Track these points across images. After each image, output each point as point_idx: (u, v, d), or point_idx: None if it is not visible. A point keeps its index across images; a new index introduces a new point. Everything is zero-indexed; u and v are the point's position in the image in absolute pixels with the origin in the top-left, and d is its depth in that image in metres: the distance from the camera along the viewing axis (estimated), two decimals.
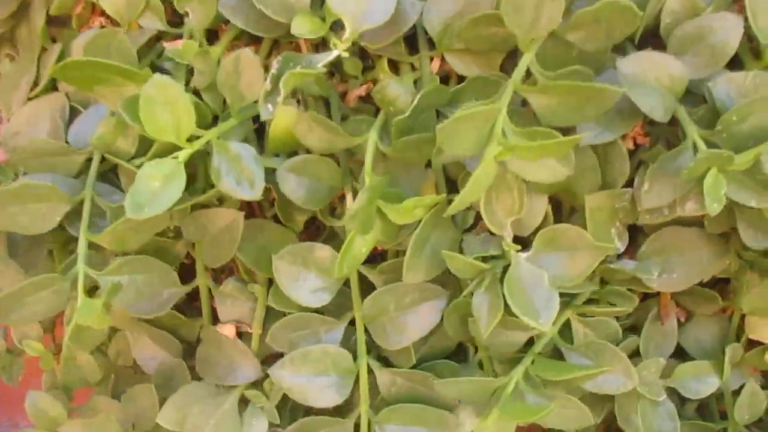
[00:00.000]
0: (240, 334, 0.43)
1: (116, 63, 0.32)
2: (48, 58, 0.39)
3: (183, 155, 0.32)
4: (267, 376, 0.41)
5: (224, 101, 0.35)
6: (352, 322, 0.39)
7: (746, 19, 0.31)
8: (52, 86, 0.39)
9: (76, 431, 0.45)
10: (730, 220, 0.34)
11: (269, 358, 0.43)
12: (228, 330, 0.43)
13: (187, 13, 0.36)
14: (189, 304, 0.46)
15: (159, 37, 0.37)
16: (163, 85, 0.30)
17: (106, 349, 0.48)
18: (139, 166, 0.33)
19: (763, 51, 0.32)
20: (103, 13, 0.39)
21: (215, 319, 0.44)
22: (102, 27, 0.39)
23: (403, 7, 0.33)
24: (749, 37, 0.32)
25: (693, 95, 0.32)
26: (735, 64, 0.33)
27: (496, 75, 0.34)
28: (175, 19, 0.38)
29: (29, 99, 0.39)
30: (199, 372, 0.43)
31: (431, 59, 0.36)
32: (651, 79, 0.30)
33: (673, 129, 0.33)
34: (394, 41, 0.34)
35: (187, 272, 0.43)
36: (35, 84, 0.40)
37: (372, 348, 0.40)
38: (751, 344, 0.43)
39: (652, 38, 0.34)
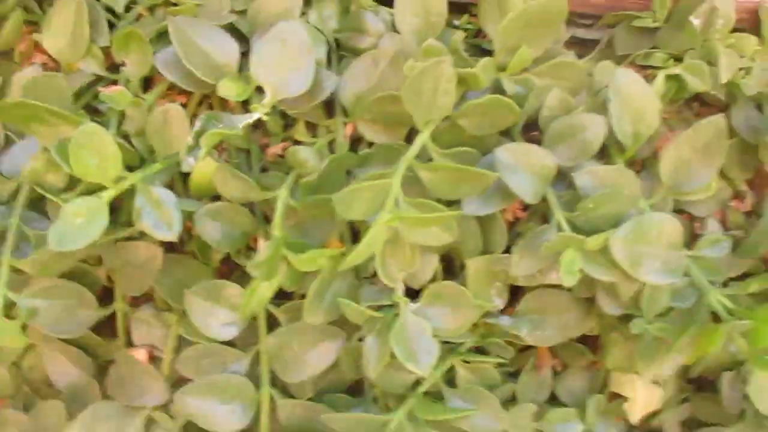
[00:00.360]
0: (152, 359, 0.46)
1: (51, 107, 0.35)
2: None
3: (107, 195, 0.35)
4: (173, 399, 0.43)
5: (151, 147, 0.38)
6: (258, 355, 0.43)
7: None
8: None
9: None
10: (592, 287, 0.39)
11: (178, 383, 0.46)
12: (141, 354, 0.45)
13: (124, 63, 0.39)
14: (108, 325, 0.48)
15: (97, 79, 0.40)
16: (92, 132, 0.34)
17: (20, 362, 0.50)
18: (66, 201, 0.36)
19: (625, 147, 0.38)
20: (45, 52, 0.42)
21: (130, 343, 0.46)
22: (43, 64, 0.42)
23: (320, 79, 0.37)
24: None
25: (565, 179, 0.38)
26: (604, 155, 0.39)
27: (399, 144, 0.39)
28: (115, 64, 0.41)
29: None
30: (110, 392, 0.45)
31: (345, 124, 0.40)
32: (524, 166, 0.35)
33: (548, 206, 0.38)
34: (312, 107, 0.39)
35: (107, 295, 0.45)
36: None
37: (275, 380, 0.43)
38: (616, 395, 0.48)
39: (535, 125, 0.39)
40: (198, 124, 0.35)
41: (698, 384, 0.51)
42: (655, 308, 0.38)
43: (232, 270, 0.45)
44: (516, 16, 0.35)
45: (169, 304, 0.45)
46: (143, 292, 0.42)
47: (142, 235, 0.42)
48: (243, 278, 0.42)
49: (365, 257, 0.35)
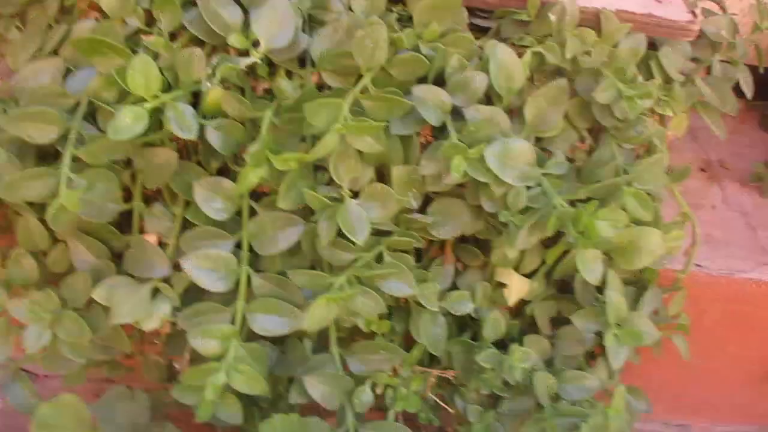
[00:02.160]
0: (160, 244, 0.62)
1: (111, 41, 0.52)
2: (54, 32, 0.58)
3: (148, 106, 0.52)
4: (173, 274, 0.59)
5: (177, 77, 0.55)
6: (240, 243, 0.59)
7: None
8: (53, 52, 0.58)
9: (20, 307, 0.61)
10: (478, 197, 0.57)
11: (177, 264, 0.62)
12: (152, 237, 0.61)
13: (160, 19, 0.56)
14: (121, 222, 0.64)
15: (138, 31, 0.57)
16: (144, 60, 0.50)
17: (45, 257, 0.65)
18: (116, 110, 0.52)
19: (501, 97, 0.56)
20: (98, 9, 0.58)
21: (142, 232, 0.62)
22: (96, 19, 0.59)
23: (298, 39, 0.55)
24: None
25: (460, 116, 0.56)
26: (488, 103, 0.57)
27: (350, 87, 0.56)
28: (150, 21, 0.58)
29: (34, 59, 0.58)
30: (126, 268, 0.61)
31: (312, 73, 0.58)
32: (431, 100, 0.53)
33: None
34: (290, 59, 0.56)
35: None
36: (39, 49, 0.58)
37: (252, 260, 0.59)
38: (501, 285, 0.66)
39: (440, 79, 0.57)
40: (215, 60, 0.52)
41: (564, 289, 0.70)
42: (517, 205, 0.56)
43: (224, 175, 0.61)
44: (428, 2, 0.54)
45: (173, 201, 0.61)
46: (161, 185, 0.58)
47: (161, 143, 0.59)
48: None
49: (323, 154, 0.52)
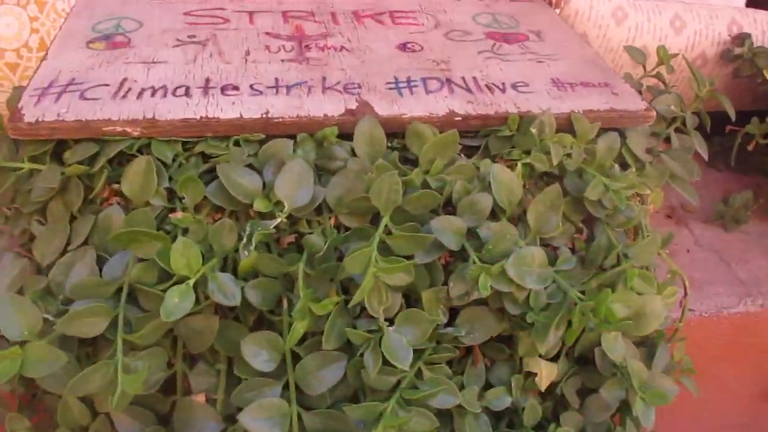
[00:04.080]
0: (207, 401, 0.64)
1: (148, 230, 0.55)
2: (80, 224, 0.61)
3: (192, 282, 0.55)
4: (226, 429, 0.61)
5: (210, 248, 0.59)
6: (288, 384, 0.62)
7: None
8: (84, 242, 0.61)
9: None
10: (501, 301, 0.62)
11: (228, 418, 0.64)
12: (200, 397, 0.64)
13: (183, 197, 0.60)
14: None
15: (163, 209, 0.61)
16: (185, 243, 0.54)
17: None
18: (162, 290, 0.55)
19: (505, 210, 0.62)
20: (119, 194, 0.62)
21: (186, 393, 0.64)
22: (118, 203, 0.62)
23: (316, 193, 0.60)
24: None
25: (474, 233, 0.61)
26: (494, 216, 0.63)
27: (367, 226, 0.61)
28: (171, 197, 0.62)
29: (66, 251, 0.60)
30: (178, 430, 0.63)
31: (330, 218, 0.62)
32: (448, 229, 0.59)
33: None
34: (310, 210, 0.61)
35: None
36: (68, 242, 0.61)
37: (300, 399, 0.62)
38: (530, 374, 0.71)
39: (450, 203, 0.63)
40: (248, 228, 0.56)
41: (584, 363, 0.75)
42: (538, 305, 0.61)
43: (259, 327, 0.65)
44: (431, 143, 0.60)
45: (215, 359, 0.64)
46: (206, 348, 0.61)
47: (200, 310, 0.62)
48: (270, 329, 0.62)
49: (362, 298, 0.56)
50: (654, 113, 0.70)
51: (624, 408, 0.73)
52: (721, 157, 1.13)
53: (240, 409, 0.60)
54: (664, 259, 0.77)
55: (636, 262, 0.64)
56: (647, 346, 0.75)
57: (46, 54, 0.71)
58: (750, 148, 0.96)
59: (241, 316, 0.62)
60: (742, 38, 1.04)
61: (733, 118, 0.81)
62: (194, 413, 0.63)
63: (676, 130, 0.79)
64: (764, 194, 1.04)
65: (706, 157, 0.78)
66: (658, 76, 0.84)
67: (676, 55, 0.84)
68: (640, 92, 0.81)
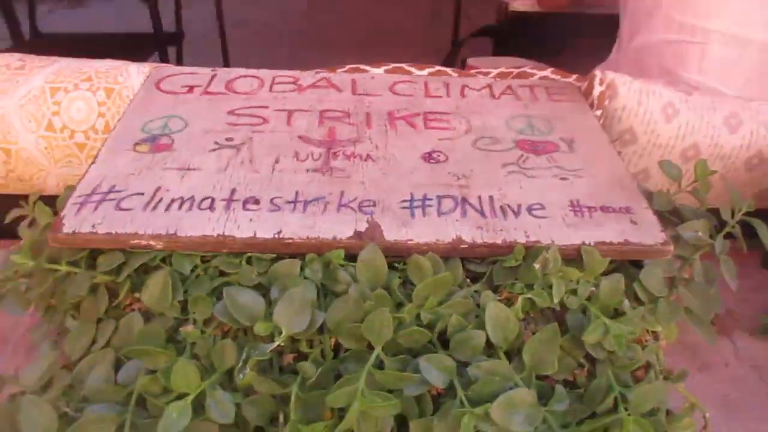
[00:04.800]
0: None
1: (160, 350, 0.60)
2: (104, 326, 0.67)
3: (190, 399, 0.59)
4: None
5: (211, 362, 0.63)
6: None
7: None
8: (107, 343, 0.67)
9: None
10: None
11: None
12: None
13: (194, 312, 0.64)
14: None
15: (176, 320, 0.66)
16: (184, 365, 0.58)
17: None
18: (164, 402, 0.59)
19: (500, 348, 0.63)
20: (140, 301, 0.67)
21: None
22: (139, 309, 0.67)
23: (314, 318, 0.63)
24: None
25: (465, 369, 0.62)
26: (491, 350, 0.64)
27: (363, 350, 0.64)
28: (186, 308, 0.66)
29: (91, 351, 0.66)
30: None
31: (330, 338, 0.65)
32: (437, 366, 0.60)
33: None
34: (309, 333, 0.64)
35: None
36: (93, 341, 0.67)
37: None
38: None
39: (444, 335, 0.64)
40: (245, 351, 0.60)
41: None
42: None
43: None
44: (427, 282, 0.62)
45: None
46: None
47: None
48: None
49: (347, 427, 0.59)
50: (671, 248, 0.69)
51: None
52: None
53: None
54: (682, 393, 0.74)
55: (635, 408, 0.63)
56: None
57: (97, 156, 0.78)
58: None
59: (241, 426, 0.66)
60: None
61: (765, 242, 0.78)
62: None
63: (705, 255, 0.77)
64: None
65: (734, 288, 0.75)
66: (695, 193, 0.81)
67: (714, 172, 0.81)
68: (669, 213, 0.80)
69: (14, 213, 0.81)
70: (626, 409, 0.63)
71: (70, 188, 0.75)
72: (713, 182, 0.86)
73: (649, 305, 0.69)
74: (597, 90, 1.00)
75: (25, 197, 0.80)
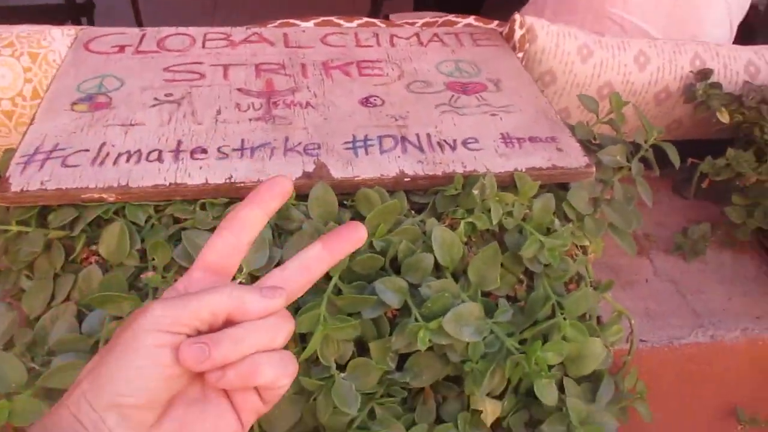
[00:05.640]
0: None
1: (125, 295, 0.62)
2: (62, 281, 0.68)
3: None
4: None
5: None
6: None
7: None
8: (66, 297, 0.68)
9: None
10: (443, 348, 0.68)
11: None
12: None
13: (153, 258, 0.66)
14: None
15: (136, 269, 0.67)
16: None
17: None
18: None
19: (447, 267, 0.68)
20: (97, 254, 0.68)
21: None
22: (96, 262, 0.69)
23: (271, 254, 0.66)
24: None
25: (418, 290, 0.67)
26: (438, 271, 0.69)
27: (322, 281, 0.67)
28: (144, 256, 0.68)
29: (51, 306, 0.67)
30: None
31: None
32: (391, 288, 0.65)
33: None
34: (268, 269, 0.67)
35: None
36: (51, 297, 0.68)
37: None
38: (477, 412, 0.77)
39: (395, 261, 0.69)
40: None
41: (532, 396, 0.81)
42: (476, 354, 0.67)
43: None
44: (375, 211, 0.66)
45: None
46: None
47: None
48: None
49: (312, 351, 0.63)
50: (593, 170, 0.76)
51: None
52: (687, 185, 1.17)
53: None
54: (608, 302, 0.82)
55: (570, 313, 0.69)
56: (593, 381, 0.81)
57: (34, 117, 0.77)
58: (704, 185, 1.01)
59: None
60: (704, 74, 1.08)
61: (677, 165, 0.86)
62: None
63: (625, 177, 0.85)
64: (723, 225, 1.09)
65: (650, 204, 0.83)
66: (610, 122, 0.88)
67: (627, 102, 0.89)
68: (590, 141, 0.87)
69: None
70: (562, 315, 0.70)
71: (10, 150, 0.74)
72: (627, 118, 0.94)
73: (577, 222, 0.76)
74: (518, 33, 1.05)
75: None
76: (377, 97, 0.86)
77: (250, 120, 0.79)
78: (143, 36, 0.96)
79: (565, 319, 0.69)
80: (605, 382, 0.80)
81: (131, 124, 0.77)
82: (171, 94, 0.83)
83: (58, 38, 0.99)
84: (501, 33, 1.07)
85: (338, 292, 0.65)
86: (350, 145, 0.76)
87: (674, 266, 1.07)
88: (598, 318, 0.82)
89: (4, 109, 0.98)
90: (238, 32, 0.99)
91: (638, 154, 0.86)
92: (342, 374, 0.66)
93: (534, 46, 1.07)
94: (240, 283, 0.65)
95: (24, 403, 0.60)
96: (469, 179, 0.72)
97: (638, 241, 1.11)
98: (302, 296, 0.67)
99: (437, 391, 0.76)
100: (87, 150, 0.72)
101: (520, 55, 1.04)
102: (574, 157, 0.77)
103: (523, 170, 0.74)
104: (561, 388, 0.75)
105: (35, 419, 0.61)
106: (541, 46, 1.08)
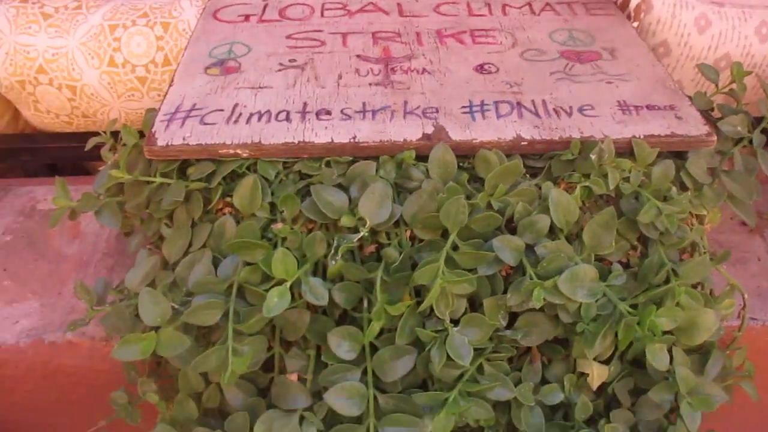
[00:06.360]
0: (299, 380, 0.76)
1: (258, 242, 0.67)
2: (200, 229, 0.74)
3: (288, 284, 0.66)
4: (313, 404, 0.73)
5: (304, 255, 0.70)
6: (366, 370, 0.73)
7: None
8: (203, 245, 0.74)
9: None
10: (555, 309, 0.70)
11: (316, 395, 0.75)
12: (294, 377, 0.76)
13: (283, 210, 0.71)
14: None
15: (267, 220, 0.72)
16: (283, 253, 0.65)
17: (201, 396, 0.79)
18: (264, 290, 0.67)
19: (562, 229, 0.69)
20: (231, 206, 0.74)
21: (281, 372, 0.76)
22: (230, 213, 0.74)
23: (393, 210, 0.69)
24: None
25: (532, 250, 0.69)
26: (552, 234, 0.70)
27: (438, 239, 0.70)
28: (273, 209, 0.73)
29: (188, 252, 0.73)
30: (274, 402, 0.75)
31: (406, 231, 0.72)
32: (508, 246, 0.67)
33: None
34: (388, 225, 0.70)
35: None
36: (189, 244, 0.74)
37: (377, 383, 0.73)
38: (583, 374, 0.78)
39: (512, 221, 0.71)
40: (336, 241, 0.67)
41: (638, 365, 0.81)
42: (589, 315, 0.68)
43: (343, 321, 0.76)
44: (495, 172, 0.68)
45: (307, 345, 0.75)
46: (299, 336, 0.72)
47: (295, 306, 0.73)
48: (352, 324, 0.73)
49: (430, 304, 0.66)
50: (714, 138, 0.75)
51: (677, 408, 0.79)
52: None
53: (326, 389, 0.71)
54: (722, 274, 0.81)
55: (684, 280, 0.69)
56: (702, 354, 0.81)
57: (173, 79, 0.84)
58: None
59: (328, 311, 0.73)
60: None
61: None
62: (288, 389, 0.74)
63: (744, 148, 0.83)
64: None
65: None
66: (731, 93, 0.86)
67: (749, 72, 0.86)
68: (710, 110, 0.85)
69: (94, 140, 0.86)
70: (677, 282, 0.70)
71: (152, 110, 0.81)
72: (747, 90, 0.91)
73: (695, 192, 0.75)
74: (633, 3, 1.04)
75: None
76: (491, 64, 0.87)
77: (370, 85, 0.82)
78: (266, 6, 1.02)
79: (681, 286, 0.69)
80: (715, 355, 0.80)
81: (260, 87, 0.82)
82: (295, 60, 0.87)
83: (187, 9, 1.06)
84: (615, 2, 1.05)
85: (455, 249, 0.68)
86: (467, 110, 0.78)
87: None
88: (710, 291, 0.81)
89: (139, 75, 1.06)
90: (354, 2, 1.03)
91: (760, 125, 0.83)
92: (455, 328, 0.69)
93: (649, 16, 1.05)
94: (361, 238, 0.69)
95: (169, 336, 0.67)
96: (586, 145, 0.73)
97: None
98: (420, 251, 0.71)
99: (543, 352, 0.78)
100: (222, 110, 0.78)
101: (635, 24, 1.02)
102: (693, 125, 0.76)
103: (641, 137, 0.74)
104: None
105: (178, 351, 0.68)
106: (657, 16, 1.06)
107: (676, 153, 0.78)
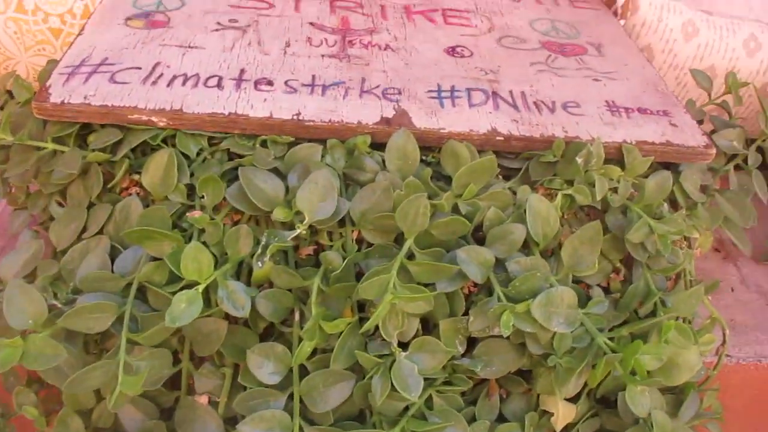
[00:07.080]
0: (209, 403, 0.63)
1: (161, 230, 0.53)
2: (98, 211, 0.59)
3: (201, 287, 0.53)
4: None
5: (224, 252, 0.56)
6: (292, 395, 0.60)
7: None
8: (100, 230, 0.59)
9: None
10: (522, 336, 0.59)
11: (229, 421, 0.62)
12: (203, 399, 0.62)
13: (203, 196, 0.57)
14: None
15: (182, 205, 0.59)
16: (196, 248, 0.52)
17: (91, 414, 0.65)
18: (170, 293, 0.53)
19: (539, 243, 0.58)
20: (139, 184, 0.60)
21: (189, 392, 0.63)
22: (137, 194, 0.60)
23: (339, 206, 0.57)
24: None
25: (502, 265, 0.58)
26: (526, 248, 0.59)
27: (390, 244, 0.58)
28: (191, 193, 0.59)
29: (82, 238, 0.59)
30: (176, 427, 0.62)
31: (353, 231, 0.59)
32: (474, 259, 0.55)
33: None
34: (332, 223, 0.58)
35: None
36: (84, 228, 0.60)
37: (304, 412, 0.60)
38: (545, 412, 0.67)
39: (480, 229, 0.59)
40: (264, 238, 0.54)
41: (606, 404, 0.71)
42: (562, 348, 0.57)
43: (269, 335, 0.63)
44: (466, 168, 0.56)
45: (222, 362, 0.62)
46: (212, 352, 0.59)
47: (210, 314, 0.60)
48: (279, 339, 0.60)
49: (376, 323, 0.54)
50: (713, 151, 0.65)
51: None
52: None
53: (242, 417, 0.58)
54: (706, 306, 0.72)
55: (674, 313, 0.59)
56: (675, 394, 0.71)
57: (83, 28, 0.69)
58: None
59: (251, 323, 0.60)
60: None
61: None
62: (196, 413, 0.61)
63: (736, 167, 0.74)
64: None
65: (765, 200, 0.72)
66: (723, 105, 0.77)
67: (746, 84, 0.78)
68: (701, 122, 0.76)
69: None
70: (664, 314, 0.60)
71: (53, 61, 0.66)
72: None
73: (688, 210, 0.65)
74: (620, 1, 0.94)
75: None
76: (464, 47, 0.76)
77: (323, 56, 0.70)
78: None
79: (676, 318, 0.59)
80: (691, 397, 0.70)
81: (190, 47, 0.68)
82: (236, 21, 0.74)
83: None
84: None
85: (410, 258, 0.56)
86: (435, 94, 0.66)
87: (764, 276, 0.96)
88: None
89: (52, 26, 0.90)
90: None
91: (755, 143, 0.75)
92: (403, 353, 0.57)
93: (635, 17, 0.96)
94: (299, 234, 0.56)
95: (40, 344, 0.52)
96: (571, 146, 0.62)
97: (723, 245, 1.00)
98: (368, 257, 0.58)
99: (502, 384, 0.67)
100: (139, 68, 0.64)
101: (622, 23, 0.93)
102: (690, 135, 0.66)
103: (633, 143, 0.64)
104: None
105: (50, 364, 0.53)
106: (642, 18, 0.96)
107: (665, 165, 0.68)
